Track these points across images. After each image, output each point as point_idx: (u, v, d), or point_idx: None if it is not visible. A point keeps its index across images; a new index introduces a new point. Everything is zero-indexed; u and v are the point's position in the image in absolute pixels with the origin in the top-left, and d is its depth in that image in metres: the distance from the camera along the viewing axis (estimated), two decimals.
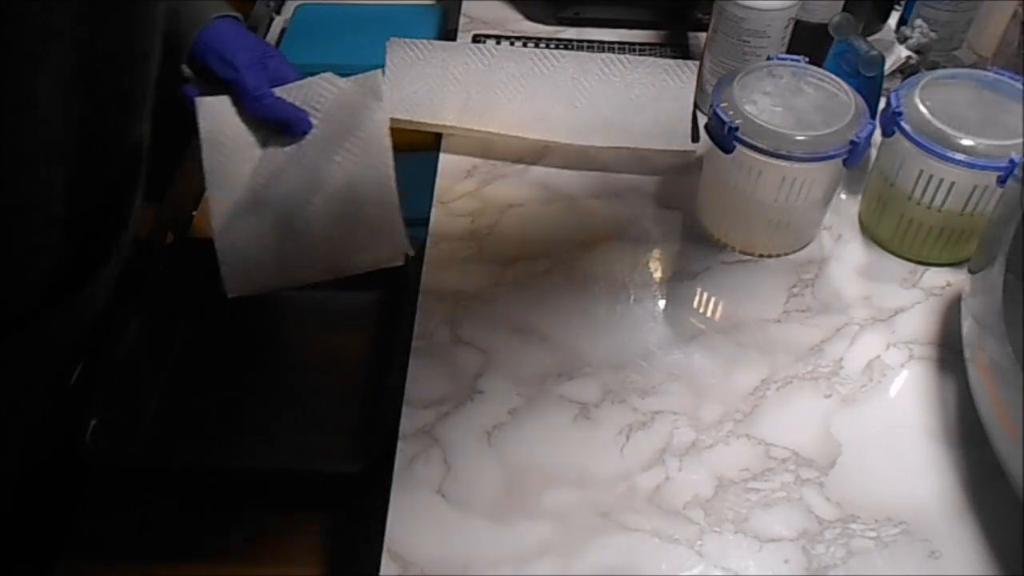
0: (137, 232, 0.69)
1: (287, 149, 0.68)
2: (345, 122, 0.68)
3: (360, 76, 0.70)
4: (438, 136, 0.80)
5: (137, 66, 0.58)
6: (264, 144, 0.69)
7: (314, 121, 0.68)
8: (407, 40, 0.81)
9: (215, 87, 0.68)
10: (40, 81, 0.48)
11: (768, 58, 0.70)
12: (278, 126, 0.68)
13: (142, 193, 0.66)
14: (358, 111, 0.68)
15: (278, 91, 0.68)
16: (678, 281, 0.69)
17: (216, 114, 0.68)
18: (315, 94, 0.68)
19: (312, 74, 0.70)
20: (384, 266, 0.68)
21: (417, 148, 0.78)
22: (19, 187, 0.51)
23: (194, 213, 0.95)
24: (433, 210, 0.74)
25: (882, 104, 0.69)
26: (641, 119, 0.77)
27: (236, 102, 0.68)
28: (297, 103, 0.68)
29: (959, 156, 0.61)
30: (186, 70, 0.68)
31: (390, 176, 0.67)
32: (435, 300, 0.66)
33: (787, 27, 0.77)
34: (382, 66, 0.80)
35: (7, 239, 0.53)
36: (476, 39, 0.92)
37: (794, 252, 0.71)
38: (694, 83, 0.78)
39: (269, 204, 0.67)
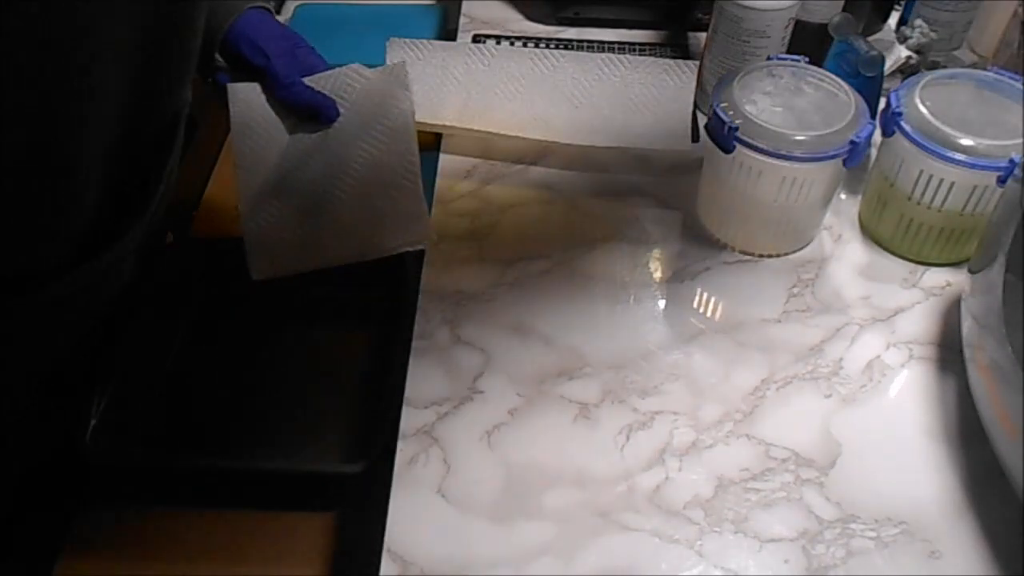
0: (170, 197, 0.69)
1: (314, 135, 0.69)
2: (372, 111, 0.69)
3: (386, 67, 0.71)
4: (438, 136, 0.80)
5: (188, 34, 0.59)
6: (292, 131, 0.70)
7: (342, 109, 0.69)
8: (407, 40, 0.81)
9: (247, 75, 0.69)
10: (98, 45, 0.49)
11: (768, 58, 0.70)
12: (307, 113, 0.69)
13: (177, 158, 0.68)
14: (385, 100, 0.69)
15: (307, 80, 0.69)
16: (678, 281, 0.69)
17: (246, 100, 0.69)
18: (343, 84, 0.70)
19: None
20: (408, 249, 0.69)
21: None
22: (67, 147, 0.53)
23: (194, 213, 0.95)
24: (433, 210, 0.74)
25: (882, 104, 0.69)
26: (641, 119, 0.77)
27: (266, 89, 0.70)
28: (325, 92, 0.69)
29: (959, 156, 0.61)
30: (219, 60, 0.69)
31: (415, 163, 0.68)
32: (435, 300, 0.66)
33: (787, 27, 0.77)
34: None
35: (47, 194, 0.54)
36: (476, 39, 0.92)
37: (794, 252, 0.71)
38: (694, 83, 0.78)
39: (296, 188, 0.68)
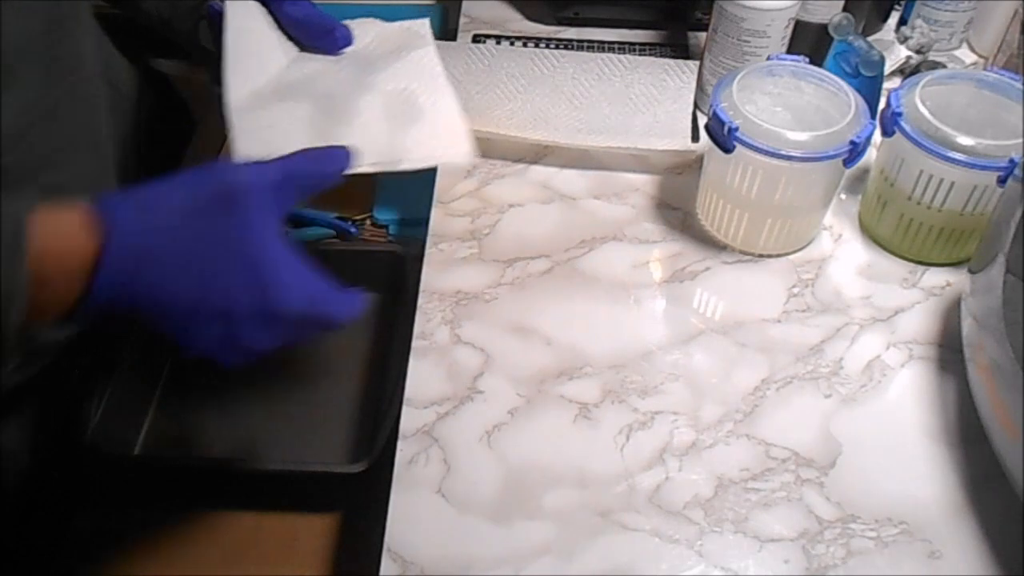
0: None
1: (327, 59, 0.63)
2: (391, 47, 0.64)
3: (407, 22, 0.66)
4: None
5: None
6: (300, 50, 0.63)
7: (355, 48, 0.63)
8: None
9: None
10: None
11: (768, 58, 0.70)
12: (317, 30, 0.62)
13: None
14: (405, 43, 0.64)
15: None
16: (678, 281, 0.69)
17: (246, 15, 0.62)
18: (359, 29, 0.65)
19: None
20: (443, 163, 0.62)
21: None
22: None
23: None
24: (433, 210, 0.74)
25: (882, 104, 0.69)
26: (641, 119, 0.77)
27: (271, 12, 0.62)
28: None
29: (959, 156, 0.61)
30: None
31: (447, 85, 0.63)
32: (435, 300, 0.66)
33: (787, 27, 0.77)
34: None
35: None
36: (476, 39, 0.92)
37: (794, 252, 0.71)
38: (694, 83, 0.78)
39: (305, 93, 0.60)
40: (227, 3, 0.61)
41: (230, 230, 0.44)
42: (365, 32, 0.65)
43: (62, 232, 0.42)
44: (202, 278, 0.44)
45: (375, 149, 0.58)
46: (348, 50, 0.63)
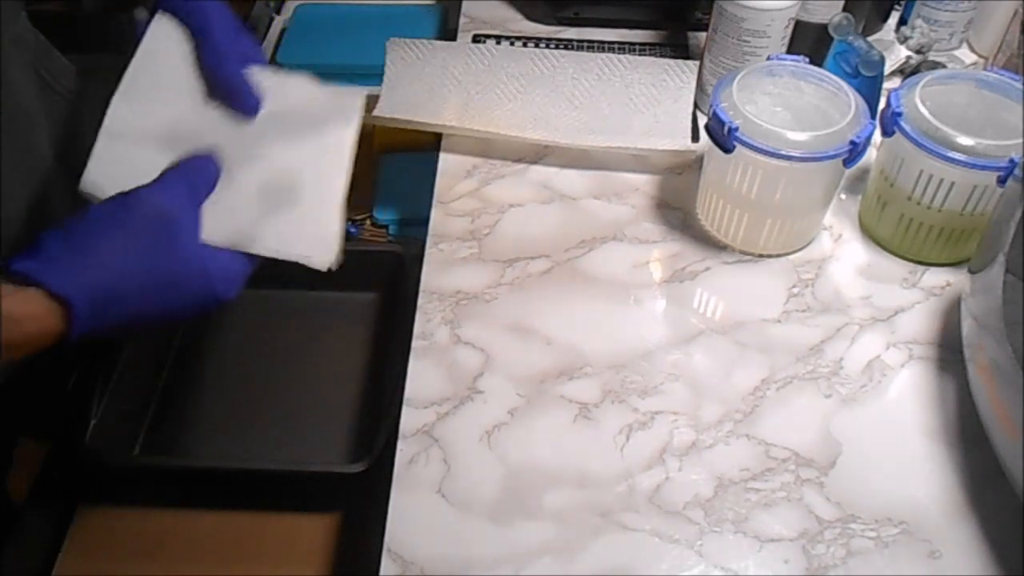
0: None
1: (228, 116, 0.60)
2: (304, 124, 0.61)
3: (343, 89, 0.63)
4: (438, 136, 0.80)
5: None
6: (205, 98, 0.60)
7: (269, 110, 0.60)
8: (407, 40, 0.81)
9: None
10: None
11: (768, 58, 0.70)
12: (221, 92, 0.59)
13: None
14: (325, 120, 0.61)
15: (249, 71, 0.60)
16: (678, 281, 0.69)
17: (165, 44, 0.58)
18: (283, 87, 0.61)
19: (312, 75, 0.64)
20: (299, 262, 0.57)
21: (417, 148, 0.78)
22: None
23: None
24: (433, 210, 0.74)
25: (882, 104, 0.69)
26: (641, 119, 0.77)
27: (196, 50, 0.59)
28: (259, 87, 0.60)
29: (959, 156, 0.61)
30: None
31: (343, 176, 0.59)
32: (435, 300, 0.66)
33: (787, 27, 0.77)
34: (381, 68, 0.79)
35: None
36: (476, 39, 0.92)
37: (794, 252, 0.71)
38: (694, 83, 0.78)
39: (188, 145, 0.56)
40: (152, 24, 0.59)
41: (174, 249, 0.51)
42: (292, 90, 0.61)
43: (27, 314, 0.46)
44: (161, 300, 0.51)
45: (233, 224, 0.55)
46: (264, 110, 0.60)
